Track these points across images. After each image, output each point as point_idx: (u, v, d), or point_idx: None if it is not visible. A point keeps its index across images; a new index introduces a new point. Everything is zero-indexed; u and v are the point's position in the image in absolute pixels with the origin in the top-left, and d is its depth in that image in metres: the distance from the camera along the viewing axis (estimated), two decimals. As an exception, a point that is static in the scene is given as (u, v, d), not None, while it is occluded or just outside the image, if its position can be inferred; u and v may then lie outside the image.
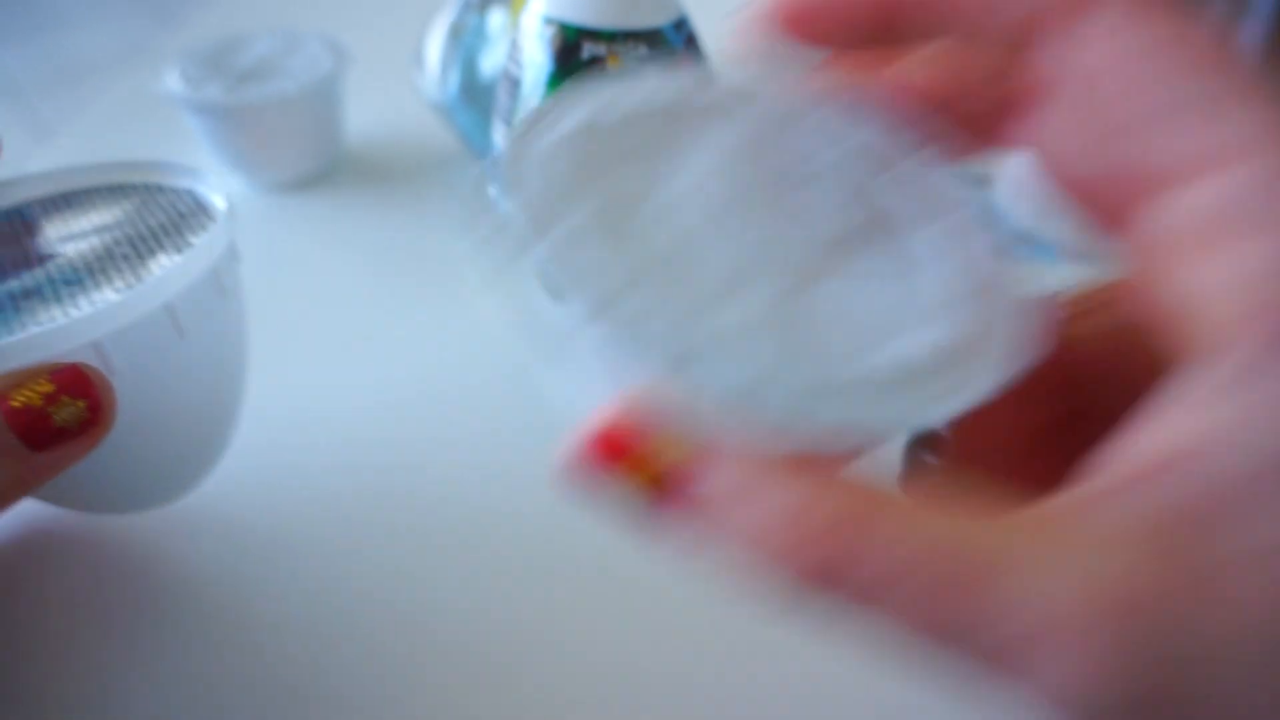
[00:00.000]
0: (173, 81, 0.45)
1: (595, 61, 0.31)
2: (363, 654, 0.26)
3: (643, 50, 0.31)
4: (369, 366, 0.37)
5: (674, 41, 0.32)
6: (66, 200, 0.27)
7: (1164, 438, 0.11)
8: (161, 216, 0.26)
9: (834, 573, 0.11)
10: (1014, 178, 0.47)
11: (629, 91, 0.16)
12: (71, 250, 0.25)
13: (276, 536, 0.30)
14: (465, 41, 0.44)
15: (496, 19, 0.43)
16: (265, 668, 0.26)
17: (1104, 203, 0.13)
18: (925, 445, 0.21)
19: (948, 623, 0.10)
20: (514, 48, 0.33)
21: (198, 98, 0.44)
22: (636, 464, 0.11)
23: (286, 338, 0.38)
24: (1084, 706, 0.10)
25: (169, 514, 0.29)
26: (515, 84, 0.33)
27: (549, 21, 0.31)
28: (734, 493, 0.11)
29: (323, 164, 0.49)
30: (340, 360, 0.37)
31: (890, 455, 0.32)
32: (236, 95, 0.44)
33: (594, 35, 0.31)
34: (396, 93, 0.56)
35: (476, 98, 0.44)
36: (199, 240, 0.25)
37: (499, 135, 0.34)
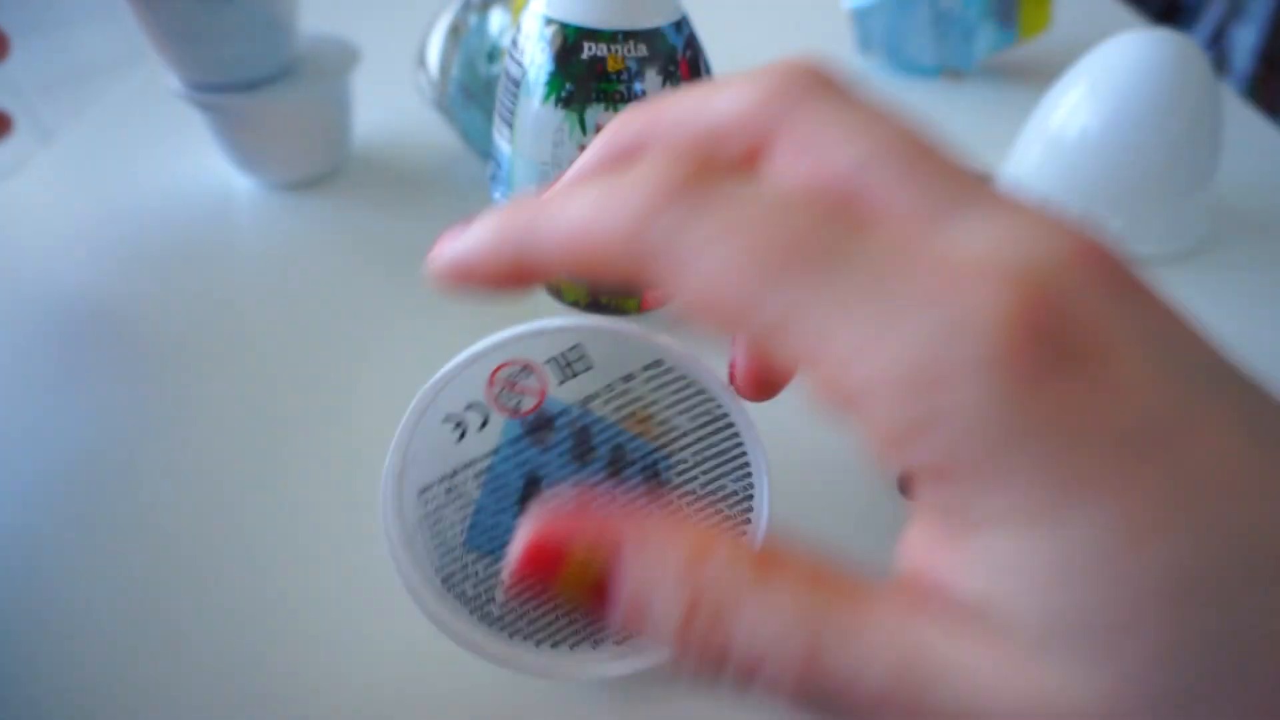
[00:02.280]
0: (176, 81, 0.45)
1: (595, 61, 0.31)
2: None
3: (643, 50, 0.31)
4: (372, 364, 0.37)
5: (674, 41, 0.32)
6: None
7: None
8: None
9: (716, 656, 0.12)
10: (1013, 178, 0.47)
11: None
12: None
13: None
14: (465, 41, 0.44)
15: (496, 19, 0.44)
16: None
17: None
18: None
19: (814, 687, 0.12)
20: (514, 48, 0.33)
21: (209, 96, 0.44)
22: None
23: (292, 334, 0.38)
24: None
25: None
26: (515, 84, 0.33)
27: (549, 21, 0.31)
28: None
29: (332, 163, 0.49)
30: (346, 358, 0.37)
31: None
32: (247, 94, 0.44)
33: (594, 35, 0.31)
34: (401, 92, 0.56)
35: (476, 98, 0.44)
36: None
37: (499, 135, 0.35)
